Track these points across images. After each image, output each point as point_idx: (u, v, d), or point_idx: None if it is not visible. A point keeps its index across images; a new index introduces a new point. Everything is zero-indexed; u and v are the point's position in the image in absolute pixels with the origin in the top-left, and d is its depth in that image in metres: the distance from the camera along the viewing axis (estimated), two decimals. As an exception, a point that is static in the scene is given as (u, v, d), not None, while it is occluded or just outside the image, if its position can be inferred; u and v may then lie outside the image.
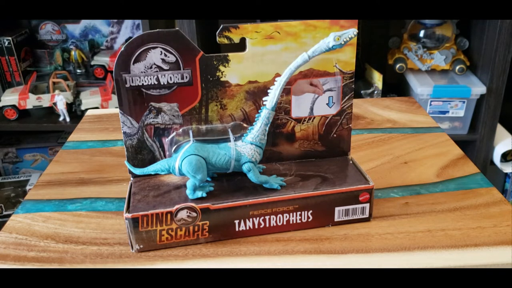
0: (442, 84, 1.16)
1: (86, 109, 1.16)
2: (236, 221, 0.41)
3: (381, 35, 1.34)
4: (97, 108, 1.24)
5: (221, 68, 0.42)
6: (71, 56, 1.41)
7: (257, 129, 0.41)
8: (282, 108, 0.45)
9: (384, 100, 0.72)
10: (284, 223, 0.42)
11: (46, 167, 0.55)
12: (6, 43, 1.29)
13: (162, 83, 0.42)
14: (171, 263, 0.39)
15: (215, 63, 0.42)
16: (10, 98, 1.24)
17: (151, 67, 0.41)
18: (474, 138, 1.19)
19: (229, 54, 0.42)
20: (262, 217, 0.41)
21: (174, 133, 0.44)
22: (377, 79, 1.23)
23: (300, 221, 0.42)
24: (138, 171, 0.43)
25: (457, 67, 1.19)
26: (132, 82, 0.41)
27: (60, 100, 1.22)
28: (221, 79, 0.43)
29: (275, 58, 0.43)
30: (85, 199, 0.49)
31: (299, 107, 0.45)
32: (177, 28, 0.41)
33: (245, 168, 0.41)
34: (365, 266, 0.38)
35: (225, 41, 0.42)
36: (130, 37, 1.42)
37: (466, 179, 0.51)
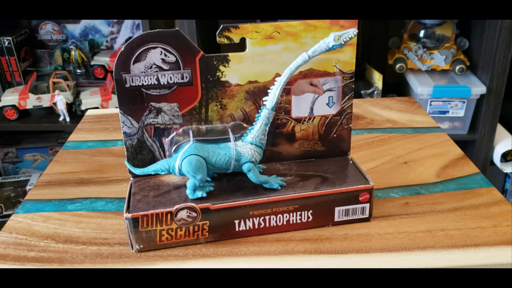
0: (442, 84, 1.16)
1: (86, 109, 1.16)
2: (236, 221, 0.41)
3: (381, 35, 1.34)
4: (97, 108, 1.24)
5: (221, 68, 0.42)
6: (71, 56, 1.41)
7: (257, 129, 0.41)
8: (282, 108, 0.45)
9: (384, 100, 0.72)
10: (284, 223, 0.42)
11: (46, 167, 0.55)
12: (6, 43, 1.29)
13: (162, 83, 0.42)
14: (171, 263, 0.39)
15: (215, 63, 0.42)
16: (10, 98, 1.24)
17: (151, 67, 0.41)
18: (474, 138, 1.19)
19: (229, 54, 0.42)
20: (262, 217, 0.41)
21: (174, 133, 0.44)
22: (377, 79, 1.23)
23: (300, 221, 0.42)
24: (138, 171, 0.43)
25: (457, 67, 1.19)
26: (132, 82, 0.41)
27: (60, 100, 1.22)
28: (221, 79, 0.43)
29: (275, 58, 0.43)
30: (85, 199, 0.49)
31: (299, 107, 0.45)
32: (177, 28, 0.41)
33: (245, 168, 0.41)
34: (365, 266, 0.38)
35: (225, 41, 0.42)
36: (130, 37, 1.42)
37: (466, 179, 0.51)
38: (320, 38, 0.41)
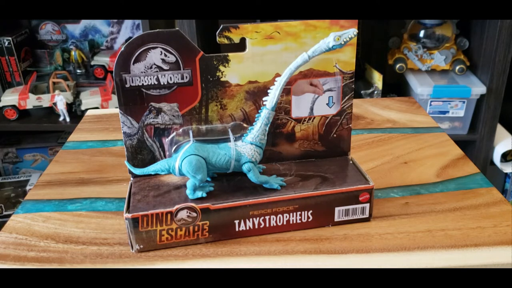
0: (442, 84, 1.16)
1: (86, 109, 1.16)
2: (236, 221, 0.41)
3: (381, 35, 1.34)
4: (97, 108, 1.24)
5: (221, 68, 0.42)
6: (71, 56, 1.41)
7: (257, 129, 0.41)
8: (282, 108, 0.45)
9: (384, 100, 0.72)
10: (284, 223, 0.42)
11: (46, 167, 0.55)
12: (6, 43, 1.29)
13: (162, 83, 0.42)
14: (171, 263, 0.39)
15: (215, 63, 0.42)
16: (10, 98, 1.24)
17: (151, 67, 0.41)
18: (474, 138, 1.19)
19: (229, 54, 0.42)
20: (262, 217, 0.41)
21: (174, 133, 0.44)
22: (377, 79, 1.23)
23: (300, 221, 0.42)
24: (138, 171, 0.43)
25: (457, 67, 1.19)
26: (132, 82, 0.41)
27: (60, 100, 1.22)
28: (221, 79, 0.43)
29: (275, 58, 0.43)
30: (85, 199, 0.49)
31: (299, 107, 0.45)
32: (177, 28, 0.41)
33: (245, 168, 0.41)
34: (365, 266, 0.38)
35: (225, 41, 0.42)
36: (130, 37, 1.42)
37: (466, 179, 0.51)
38: (320, 38, 0.40)
